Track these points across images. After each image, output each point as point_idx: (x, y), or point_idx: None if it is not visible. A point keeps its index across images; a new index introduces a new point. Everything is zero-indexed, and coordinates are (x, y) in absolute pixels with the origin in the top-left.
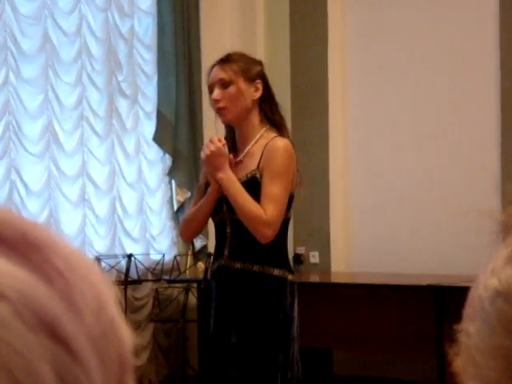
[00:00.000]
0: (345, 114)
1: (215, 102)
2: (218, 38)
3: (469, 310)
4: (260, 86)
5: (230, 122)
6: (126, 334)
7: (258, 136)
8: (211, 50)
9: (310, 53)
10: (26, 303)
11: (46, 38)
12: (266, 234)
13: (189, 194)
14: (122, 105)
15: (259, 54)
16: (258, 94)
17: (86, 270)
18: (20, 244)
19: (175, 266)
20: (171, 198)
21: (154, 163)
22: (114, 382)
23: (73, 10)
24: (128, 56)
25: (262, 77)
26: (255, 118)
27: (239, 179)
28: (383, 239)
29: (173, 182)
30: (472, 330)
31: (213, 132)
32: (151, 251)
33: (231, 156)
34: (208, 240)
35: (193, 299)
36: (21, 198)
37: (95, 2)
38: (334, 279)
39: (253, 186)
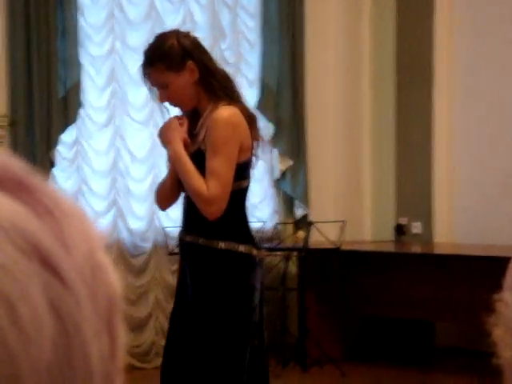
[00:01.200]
0: (450, 87)
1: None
2: (322, 5)
3: (509, 279)
4: (193, 66)
5: (188, 111)
6: (116, 280)
7: (208, 111)
8: (315, 18)
9: (417, 28)
10: (18, 231)
11: (152, 6)
12: (209, 211)
13: (291, 162)
14: None
15: (364, 26)
16: (195, 75)
17: (78, 217)
18: (14, 185)
19: (275, 234)
20: (272, 166)
21: None
22: (103, 319)
23: None
24: (231, 24)
25: (190, 54)
26: (202, 94)
27: (189, 153)
28: (486, 210)
29: (275, 150)
30: (511, 300)
31: (316, 99)
32: (252, 219)
33: (186, 135)
34: (309, 209)
35: (293, 268)
36: (125, 165)
37: None
38: (437, 250)
39: (199, 158)
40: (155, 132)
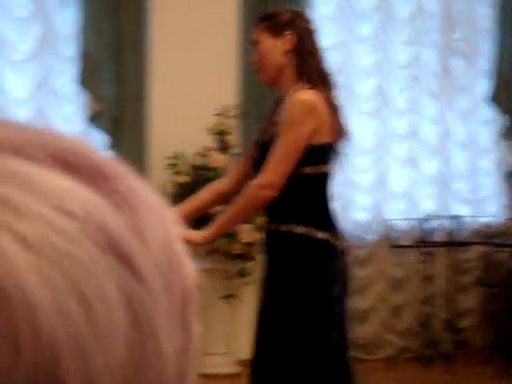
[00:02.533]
0: None
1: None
2: None
3: None
4: (289, 38)
5: (268, 83)
6: (192, 272)
7: (291, 92)
8: None
9: None
10: (94, 222)
11: None
12: (261, 194)
13: None
14: (456, 63)
15: None
16: (287, 46)
17: (155, 206)
18: (91, 173)
19: (505, 229)
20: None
21: (487, 123)
22: (176, 314)
23: None
24: (464, 13)
25: (293, 27)
26: (290, 70)
27: (267, 138)
28: None
29: (508, 142)
30: None
31: None
32: (480, 213)
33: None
34: None
35: None
36: (352, 156)
37: None
38: None
39: (274, 145)
40: (381, 123)
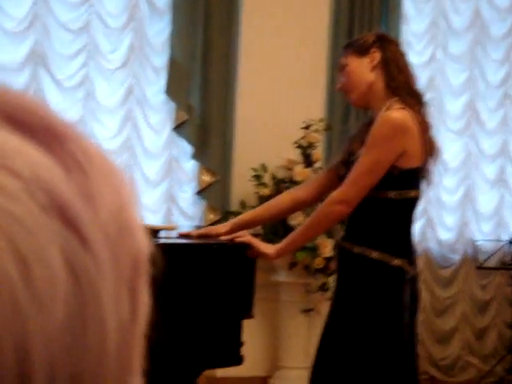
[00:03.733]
0: None
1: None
2: None
3: None
4: (376, 54)
5: (358, 104)
6: (144, 242)
7: (384, 108)
8: None
9: None
10: (39, 183)
11: (477, 15)
12: (334, 210)
13: None
14: None
15: None
16: (374, 62)
17: (110, 172)
18: (43, 132)
19: None
20: None
21: None
22: (124, 283)
23: None
24: None
25: (378, 46)
26: (379, 87)
27: (356, 158)
28: None
29: None
30: None
31: None
32: None
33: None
34: None
35: None
36: (438, 174)
37: None
38: None
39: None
40: (470, 142)
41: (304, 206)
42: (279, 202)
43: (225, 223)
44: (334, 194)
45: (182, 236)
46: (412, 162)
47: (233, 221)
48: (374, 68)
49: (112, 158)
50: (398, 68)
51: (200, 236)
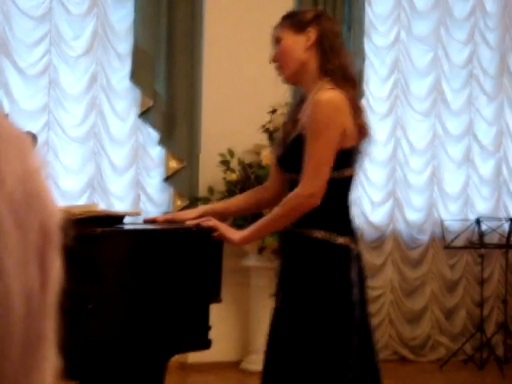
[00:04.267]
0: None
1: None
2: None
3: None
4: (312, 34)
5: (290, 81)
6: (54, 209)
7: (316, 89)
8: None
9: None
10: None
11: None
12: (304, 203)
13: None
14: None
15: None
16: (309, 42)
17: (16, 139)
18: None
19: None
20: None
21: None
22: (32, 251)
23: None
24: None
25: (316, 25)
26: (312, 67)
27: (291, 139)
28: None
29: None
30: None
31: None
32: None
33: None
34: None
35: None
36: (404, 155)
37: None
38: None
39: (298, 143)
40: (436, 122)
41: (274, 203)
42: (248, 201)
43: (193, 209)
44: (301, 189)
45: (147, 222)
46: (348, 142)
47: (203, 209)
48: (308, 48)
49: (19, 127)
50: (333, 50)
51: (166, 221)
